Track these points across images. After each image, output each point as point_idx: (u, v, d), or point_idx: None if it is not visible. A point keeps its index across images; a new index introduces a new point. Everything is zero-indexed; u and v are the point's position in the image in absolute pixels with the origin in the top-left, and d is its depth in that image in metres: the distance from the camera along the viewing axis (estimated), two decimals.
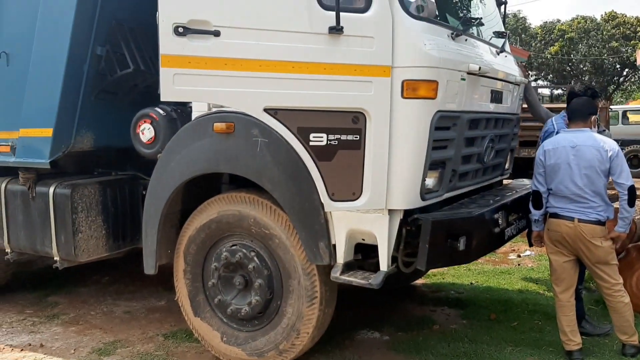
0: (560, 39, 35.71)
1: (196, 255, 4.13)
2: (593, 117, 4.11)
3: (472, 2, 4.60)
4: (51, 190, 4.58)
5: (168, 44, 3.30)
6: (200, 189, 4.18)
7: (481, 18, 4.29)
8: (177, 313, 4.51)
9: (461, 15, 4.18)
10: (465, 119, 3.75)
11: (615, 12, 35.08)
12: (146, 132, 4.18)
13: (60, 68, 4.32)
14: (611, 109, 16.40)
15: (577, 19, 36.68)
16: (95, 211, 4.64)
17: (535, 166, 4.16)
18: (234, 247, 3.96)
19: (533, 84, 36.74)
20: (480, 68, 3.67)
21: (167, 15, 3.26)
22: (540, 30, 37.89)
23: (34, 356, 4.36)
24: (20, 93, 4.60)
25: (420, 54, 3.30)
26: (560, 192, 3.98)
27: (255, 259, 3.89)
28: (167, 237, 4.24)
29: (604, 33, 34.47)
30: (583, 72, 36.31)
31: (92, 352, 4.41)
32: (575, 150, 3.94)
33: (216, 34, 3.31)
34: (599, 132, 4.29)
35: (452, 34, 3.64)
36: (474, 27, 4.20)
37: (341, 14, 3.22)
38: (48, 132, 4.47)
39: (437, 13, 3.70)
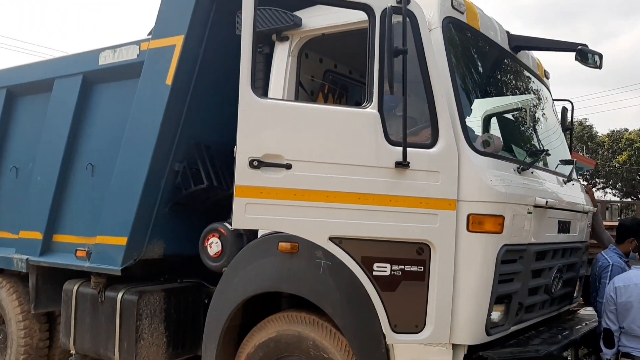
0: (629, 148, 35.04)
1: None
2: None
3: (538, 130, 4.67)
4: (119, 296, 4.73)
5: (243, 175, 3.49)
6: (260, 305, 4.23)
7: (547, 150, 4.34)
8: None
9: (527, 148, 4.23)
10: (532, 251, 3.71)
11: None
12: (214, 245, 4.32)
13: (140, 182, 4.59)
14: None
15: None
16: (159, 318, 4.73)
17: (605, 303, 4.01)
18: None
19: (600, 193, 35.94)
20: (547, 202, 3.66)
21: (244, 149, 3.48)
22: (607, 138, 37.41)
23: None
24: (101, 202, 4.89)
25: (486, 189, 3.35)
26: (633, 331, 3.80)
27: None
28: (226, 351, 4.24)
29: None
30: None
31: None
32: None
33: (288, 167, 3.49)
34: None
35: (519, 168, 3.69)
36: (541, 158, 4.23)
37: (408, 149, 3.34)
38: (122, 240, 4.69)
39: (502, 148, 3.76)
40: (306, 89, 4.23)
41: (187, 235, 4.84)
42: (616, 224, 5.38)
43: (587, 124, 38.73)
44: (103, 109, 5.09)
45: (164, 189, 4.73)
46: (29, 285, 5.41)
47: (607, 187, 38.12)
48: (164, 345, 4.74)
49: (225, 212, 4.70)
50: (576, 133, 37.15)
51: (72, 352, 5.09)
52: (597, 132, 39.13)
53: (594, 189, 36.84)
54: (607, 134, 38.12)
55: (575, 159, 4.98)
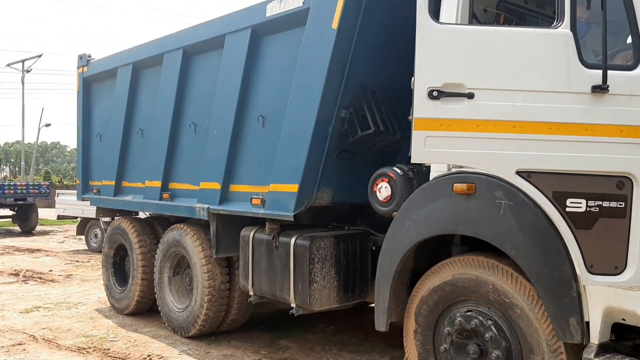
0: None
1: (428, 317, 4.05)
2: None
3: None
4: (292, 240, 4.92)
5: (422, 107, 3.39)
6: (430, 249, 4.14)
7: None
8: None
9: None
10: None
11: None
12: (383, 190, 4.29)
13: (309, 130, 4.69)
14: None
15: None
16: (330, 263, 4.85)
17: None
18: (469, 313, 3.81)
19: None
20: None
21: (423, 80, 3.36)
22: None
23: None
24: (273, 152, 5.09)
25: None
26: None
27: (493, 328, 3.68)
28: (399, 295, 4.24)
29: None
30: None
31: None
32: None
33: (470, 96, 3.31)
34: None
35: None
36: None
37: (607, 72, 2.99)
38: (294, 187, 4.85)
39: None
40: (480, 20, 3.96)
41: (353, 183, 4.90)
42: None
43: None
44: (272, 61, 5.24)
45: (332, 136, 4.79)
46: (210, 232, 5.82)
47: None
48: (335, 289, 4.87)
49: (391, 158, 4.65)
50: None
51: (251, 293, 5.43)
52: None
53: None
54: None
55: None
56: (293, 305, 4.93)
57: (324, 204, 5.05)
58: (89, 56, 7.94)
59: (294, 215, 4.91)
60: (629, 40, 3.14)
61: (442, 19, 3.74)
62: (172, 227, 6.50)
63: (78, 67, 8.05)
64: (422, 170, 4.11)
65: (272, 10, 5.04)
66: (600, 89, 3.01)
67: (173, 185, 6.47)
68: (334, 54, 4.48)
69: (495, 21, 4.11)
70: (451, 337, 3.90)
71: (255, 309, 6.46)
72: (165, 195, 6.46)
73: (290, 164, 4.91)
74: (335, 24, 4.43)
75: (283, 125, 4.97)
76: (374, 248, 4.96)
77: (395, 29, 4.61)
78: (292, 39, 4.92)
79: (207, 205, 5.76)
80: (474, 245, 3.79)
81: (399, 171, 4.25)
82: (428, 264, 4.10)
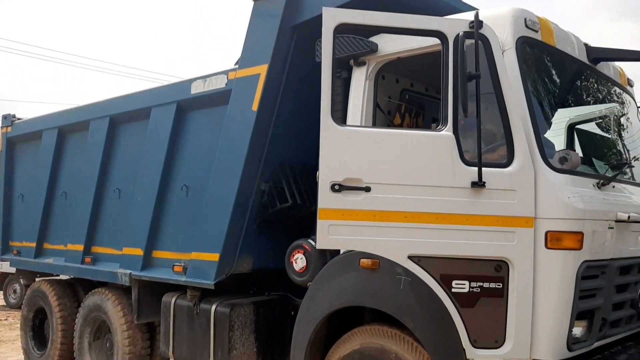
0: None
1: None
2: None
3: (621, 142, 4.59)
4: (213, 308, 5.06)
5: (325, 199, 3.71)
6: (344, 317, 4.41)
7: (630, 161, 4.27)
8: None
9: (609, 161, 4.18)
10: (615, 266, 3.69)
11: None
12: (299, 261, 4.56)
13: (230, 201, 4.91)
14: None
15: None
16: (249, 329, 5.01)
17: None
18: None
19: None
20: (629, 217, 3.63)
21: (326, 174, 3.69)
22: None
23: None
24: (195, 220, 5.27)
25: (563, 206, 3.38)
26: None
27: None
28: None
29: None
30: None
31: None
32: None
33: (367, 189, 3.67)
34: None
35: (598, 183, 3.68)
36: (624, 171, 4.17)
37: (483, 169, 3.44)
38: (215, 256, 5.02)
39: (581, 162, 3.77)
40: (383, 110, 4.39)
41: (273, 250, 5.10)
42: None
43: None
44: (196, 134, 5.48)
45: (252, 208, 5.01)
46: (132, 298, 5.87)
47: None
48: (255, 355, 5.01)
49: (308, 228, 4.93)
50: None
51: (172, 359, 5.50)
52: None
53: None
54: None
55: None
56: None
57: (245, 271, 5.22)
58: (14, 116, 7.93)
59: (215, 283, 5.07)
60: None
61: (349, 110, 4.14)
62: (93, 291, 6.49)
63: (2, 127, 8.01)
64: None
65: (197, 89, 5.32)
66: (478, 184, 3.44)
67: (96, 249, 6.50)
68: (254, 133, 4.77)
69: (397, 110, 4.56)
70: None
71: None
72: (88, 259, 6.47)
73: (212, 233, 5.09)
74: (255, 106, 4.73)
75: (206, 196, 5.18)
76: (293, 313, 5.14)
77: (312, 108, 4.96)
78: (215, 115, 5.18)
79: (129, 271, 5.83)
80: (385, 315, 4.07)
81: (313, 243, 4.54)
82: (344, 331, 4.36)
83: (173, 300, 5.47)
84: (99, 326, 6.49)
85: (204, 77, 5.29)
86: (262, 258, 5.27)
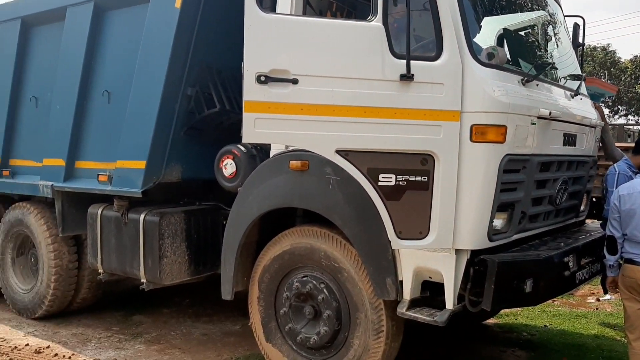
0: None
1: (270, 284, 4.35)
2: None
3: (547, 45, 4.65)
4: (142, 217, 4.96)
5: (251, 91, 3.59)
6: (275, 221, 4.42)
7: (554, 63, 4.34)
8: (250, 338, 4.72)
9: (534, 61, 4.23)
10: (535, 162, 3.80)
11: None
12: (228, 167, 4.49)
13: (155, 107, 4.72)
14: None
15: None
16: (180, 238, 4.96)
17: (609, 210, 4.11)
18: (305, 278, 4.15)
19: (622, 120, 35.36)
20: (550, 113, 3.72)
21: (251, 65, 3.56)
22: (630, 64, 36.37)
23: None
24: (119, 128, 5.06)
25: (489, 100, 3.41)
26: (635, 237, 3.90)
27: (325, 290, 4.06)
28: (244, 265, 4.49)
29: None
30: None
31: None
32: None
33: (294, 81, 3.58)
34: None
35: (523, 79, 3.73)
36: (548, 71, 4.24)
37: (412, 62, 3.40)
38: (141, 164, 4.87)
39: (508, 59, 3.79)
40: (314, 9, 4.24)
41: (203, 160, 4.99)
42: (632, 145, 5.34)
43: (610, 49, 37.59)
44: (116, 36, 5.17)
45: (179, 114, 4.86)
46: (56, 210, 5.67)
47: (630, 113, 37.41)
48: (186, 263, 5.00)
49: (238, 135, 4.83)
50: (598, 59, 36.14)
51: (100, 271, 5.40)
52: (620, 57, 38.03)
53: (615, 116, 36.21)
54: (630, 59, 37.02)
55: (584, 74, 4.97)
56: (144, 280, 4.99)
57: (174, 180, 5.12)
58: None
59: (143, 192, 4.93)
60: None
61: (278, 3, 3.96)
62: (14, 205, 6.22)
63: None
64: (265, 148, 4.35)
65: None
66: (406, 77, 3.41)
67: (14, 161, 6.17)
68: (177, 33, 4.54)
69: (328, 9, 4.42)
70: (290, 300, 4.23)
71: (109, 287, 6.39)
72: (5, 172, 6.15)
73: (137, 140, 4.92)
74: (178, 3, 4.48)
75: (129, 102, 4.95)
76: (224, 222, 5.12)
77: (239, 10, 4.75)
78: (136, 15, 4.88)
79: (51, 183, 5.60)
80: (316, 217, 4.10)
81: (243, 148, 4.46)
82: (273, 236, 4.38)
83: (99, 211, 5.32)
84: (22, 241, 6.26)
85: None
86: (192, 167, 5.17)
